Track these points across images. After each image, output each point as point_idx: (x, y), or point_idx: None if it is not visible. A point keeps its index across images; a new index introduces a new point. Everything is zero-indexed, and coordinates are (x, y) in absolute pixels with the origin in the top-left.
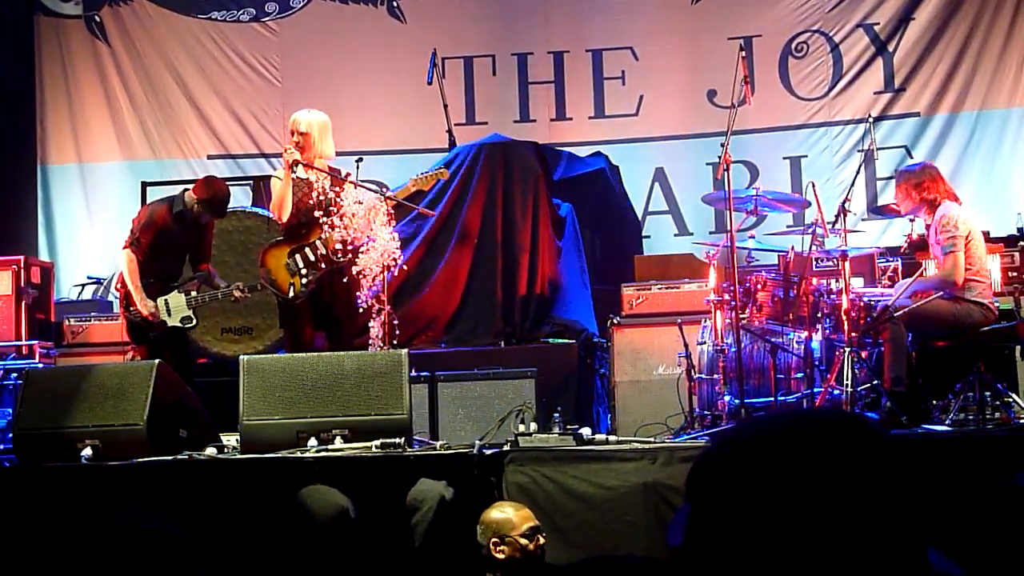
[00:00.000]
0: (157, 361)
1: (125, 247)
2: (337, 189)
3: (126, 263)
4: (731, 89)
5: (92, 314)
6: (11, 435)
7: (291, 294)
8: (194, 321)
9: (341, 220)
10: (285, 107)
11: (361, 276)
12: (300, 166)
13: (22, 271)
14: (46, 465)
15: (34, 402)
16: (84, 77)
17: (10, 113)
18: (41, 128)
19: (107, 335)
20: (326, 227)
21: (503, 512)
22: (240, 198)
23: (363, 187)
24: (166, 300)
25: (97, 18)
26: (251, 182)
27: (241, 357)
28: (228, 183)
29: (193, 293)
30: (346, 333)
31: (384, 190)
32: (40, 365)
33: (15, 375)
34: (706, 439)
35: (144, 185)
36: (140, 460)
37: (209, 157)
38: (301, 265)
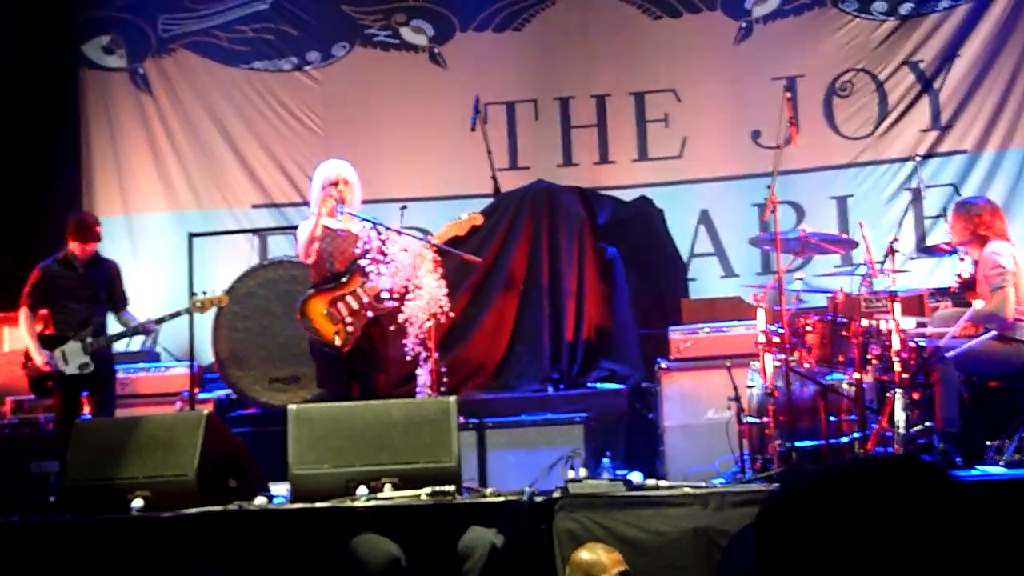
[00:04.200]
0: (206, 411)
1: (20, 305)
2: (383, 237)
3: (21, 320)
4: (776, 129)
5: (140, 365)
6: (60, 488)
7: (338, 342)
8: (91, 367)
9: (387, 267)
10: (328, 155)
11: (408, 324)
12: (342, 215)
13: None
14: (97, 518)
15: (83, 455)
16: (129, 129)
17: (57, 166)
18: (87, 180)
19: (156, 386)
20: (372, 274)
21: (594, 554)
22: (285, 247)
23: (408, 234)
24: (63, 350)
25: (141, 70)
26: (296, 231)
27: (289, 407)
28: (272, 232)
29: (88, 340)
30: (379, 383)
31: (428, 237)
32: (88, 417)
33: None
34: (761, 483)
35: (191, 237)
36: (191, 511)
37: (253, 207)
38: (345, 313)
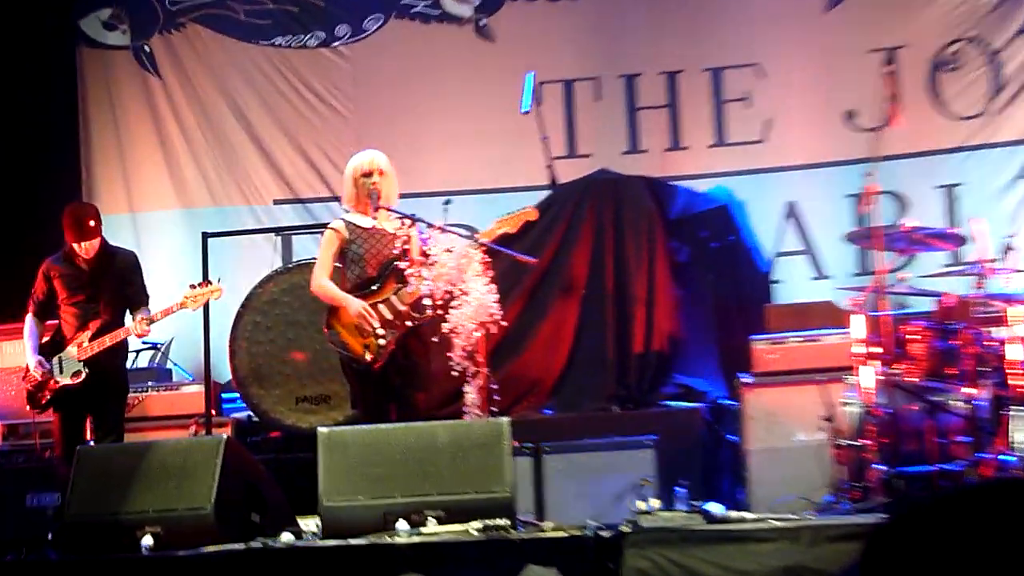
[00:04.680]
0: (225, 436)
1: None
2: (424, 235)
3: (25, 326)
4: (873, 109)
5: (149, 384)
6: (60, 523)
7: (368, 357)
8: (83, 374)
9: (429, 271)
10: (359, 143)
11: (453, 335)
12: (379, 212)
13: None
14: (102, 557)
15: (86, 485)
16: (134, 116)
17: (53, 159)
18: (87, 174)
19: (167, 407)
20: (411, 279)
21: None
22: (310, 247)
23: (452, 232)
24: (60, 357)
25: (146, 48)
26: (324, 230)
27: (319, 430)
28: (297, 231)
29: (84, 343)
30: (420, 403)
31: (476, 236)
32: (92, 442)
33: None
34: (861, 515)
35: (205, 236)
36: (208, 549)
37: (275, 202)
38: (377, 324)
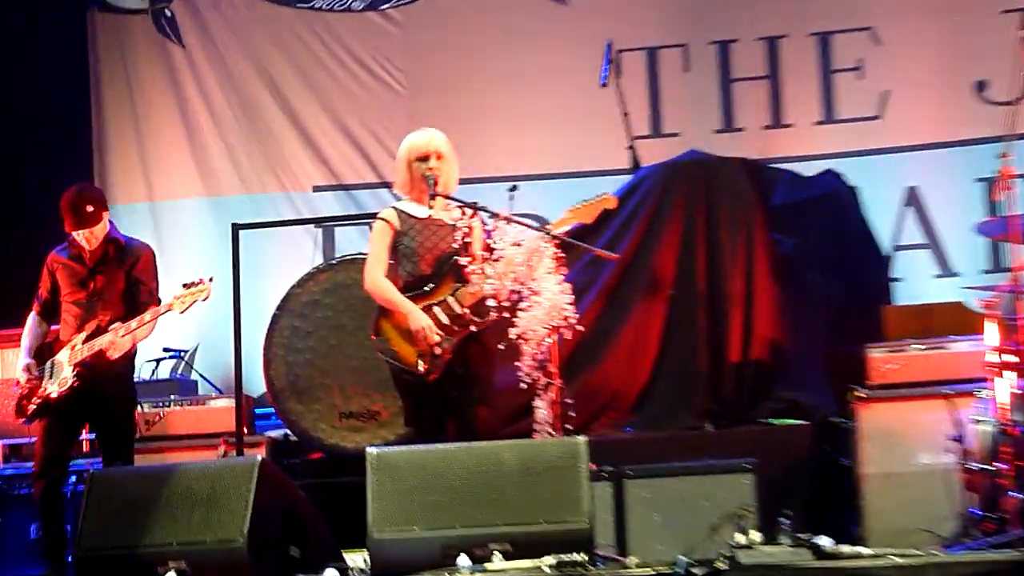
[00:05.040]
0: (259, 457)
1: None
2: (488, 227)
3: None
4: (1009, 79)
5: (172, 397)
6: (72, 557)
7: (422, 368)
8: (70, 381)
9: (493, 267)
10: (413, 121)
11: (522, 341)
12: (436, 200)
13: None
14: None
15: (101, 514)
16: (153, 90)
17: (60, 141)
18: (99, 158)
19: (192, 425)
20: (472, 277)
21: None
22: (356, 240)
23: (520, 223)
24: (53, 362)
25: (167, 12)
26: (370, 221)
27: (367, 450)
28: (340, 222)
29: (78, 345)
30: (482, 419)
31: (547, 227)
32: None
33: (75, 479)
34: (996, 550)
35: (236, 229)
36: None
37: (315, 189)
38: (438, 340)
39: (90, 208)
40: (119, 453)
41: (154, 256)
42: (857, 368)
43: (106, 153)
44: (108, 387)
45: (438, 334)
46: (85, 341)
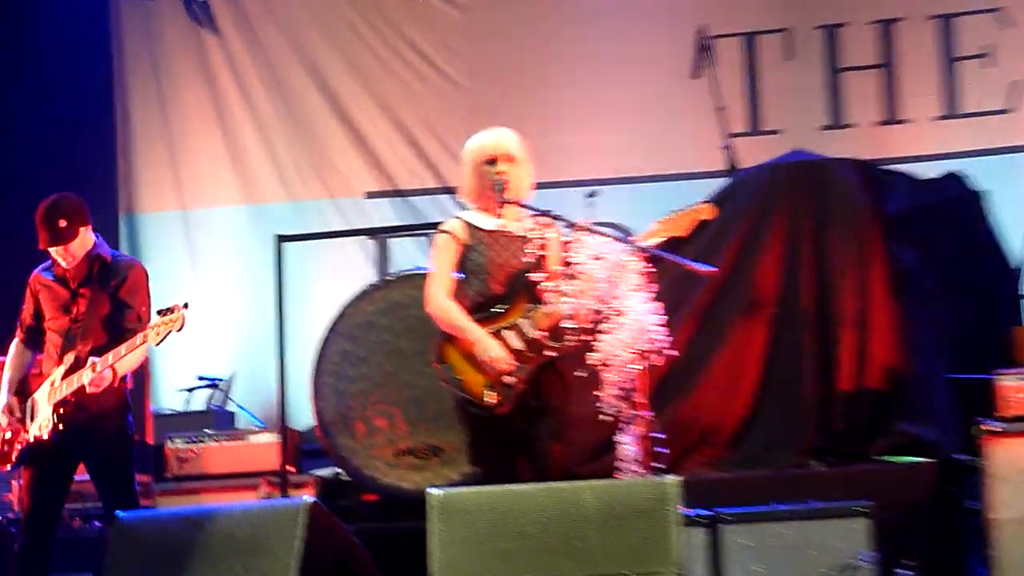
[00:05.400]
0: (308, 500)
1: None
2: (566, 239)
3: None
4: None
5: (207, 432)
6: None
7: (492, 400)
8: (51, 424)
9: (572, 285)
10: (478, 119)
11: (604, 368)
12: (507, 209)
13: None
14: None
15: (126, 563)
16: (185, 84)
17: (81, 144)
18: (125, 162)
19: (230, 462)
20: (550, 296)
21: None
22: (414, 253)
23: (602, 234)
24: (34, 399)
25: None
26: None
27: (429, 492)
28: (396, 232)
29: (56, 381)
30: (558, 457)
31: (633, 238)
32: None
33: (98, 524)
34: None
35: (279, 240)
36: None
37: (368, 195)
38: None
39: (63, 223)
40: (119, 499)
41: (146, 275)
42: (986, 398)
43: (132, 156)
44: (99, 425)
45: (510, 363)
46: (65, 376)
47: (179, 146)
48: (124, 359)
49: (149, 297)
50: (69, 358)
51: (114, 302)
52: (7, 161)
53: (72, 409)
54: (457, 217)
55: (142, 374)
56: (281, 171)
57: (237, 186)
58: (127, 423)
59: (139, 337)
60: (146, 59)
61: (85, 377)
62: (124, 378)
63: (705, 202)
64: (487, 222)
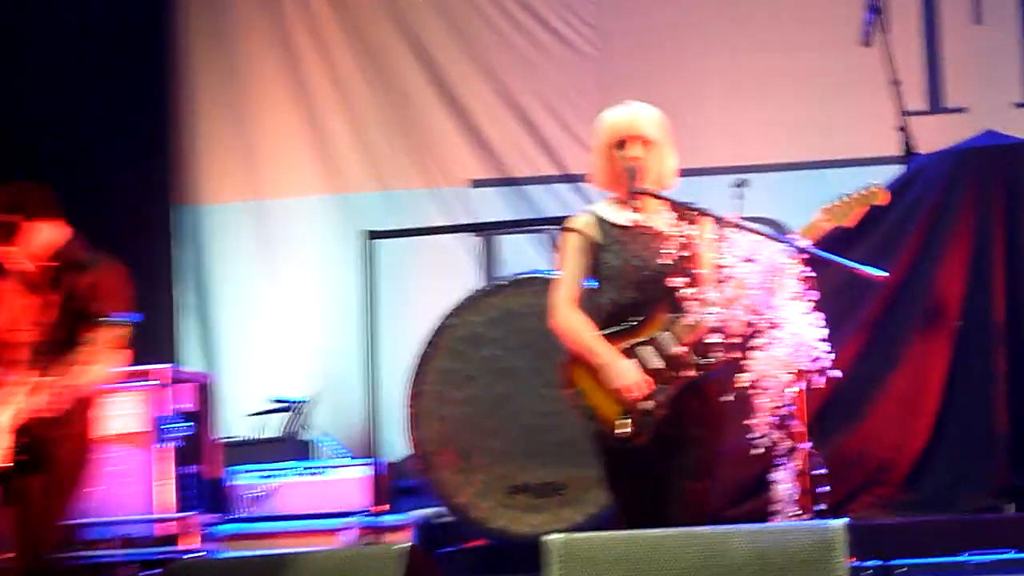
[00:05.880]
0: (405, 545)
1: None
2: (714, 236)
3: None
4: None
5: (284, 464)
6: None
7: (626, 429)
8: (12, 454)
9: (721, 292)
10: (604, 93)
11: (756, 391)
12: (639, 200)
13: (165, 390)
14: None
15: None
16: (257, 53)
17: (130, 121)
18: (184, 144)
19: (312, 500)
20: (694, 305)
21: None
22: (528, 252)
23: (755, 231)
24: None
25: None
26: (556, 228)
27: (547, 539)
28: (508, 229)
29: (13, 404)
30: (703, 496)
31: (793, 235)
32: (202, 553)
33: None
34: None
35: (370, 237)
36: None
37: (475, 184)
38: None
39: (10, 218)
40: (44, 513)
41: (120, 280)
42: None
43: (191, 137)
44: (57, 431)
45: (645, 388)
46: (21, 397)
47: (249, 125)
48: (80, 378)
49: (122, 304)
50: (28, 376)
51: (73, 312)
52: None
53: (32, 438)
54: (590, 211)
55: (204, 397)
56: (371, 155)
57: (319, 173)
58: (84, 424)
59: (87, 355)
60: (208, 22)
61: (41, 398)
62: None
63: (878, 185)
64: (623, 216)
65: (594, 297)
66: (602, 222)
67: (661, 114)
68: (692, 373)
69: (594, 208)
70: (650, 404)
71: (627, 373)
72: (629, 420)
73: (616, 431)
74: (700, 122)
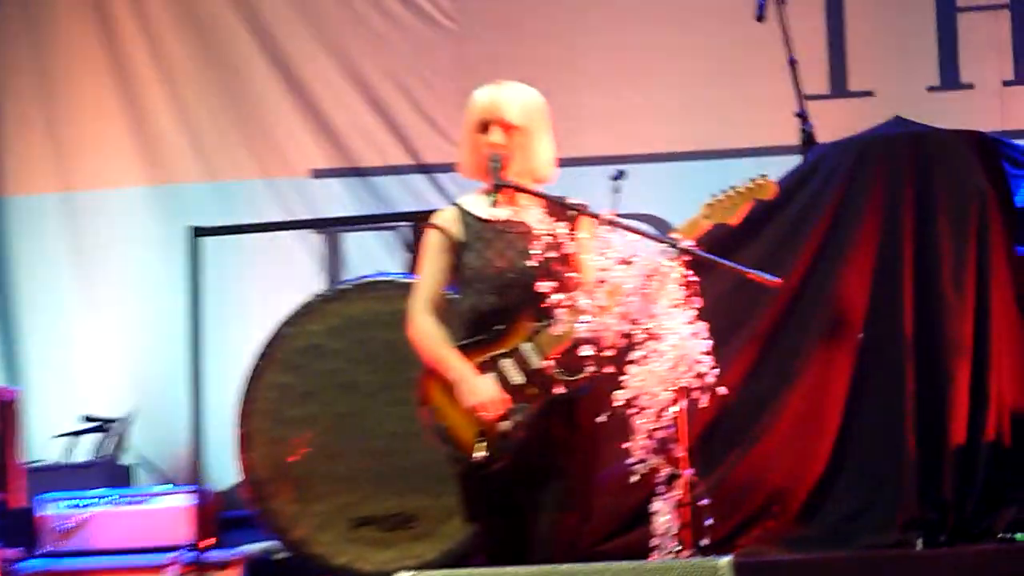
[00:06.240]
0: None
1: None
2: (587, 235)
3: None
4: None
5: (95, 495)
6: None
7: (480, 452)
8: None
9: (593, 298)
10: (465, 72)
11: (633, 410)
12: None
13: None
14: None
15: None
16: (66, 25)
17: None
18: None
19: (126, 533)
20: (562, 313)
21: None
22: (377, 252)
23: (633, 229)
24: None
25: None
26: (408, 224)
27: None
28: (354, 225)
29: None
30: (573, 528)
31: (674, 234)
32: None
33: None
34: None
35: (197, 235)
36: None
37: (316, 174)
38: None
39: None
40: None
41: None
42: None
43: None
44: None
45: (501, 407)
46: None
47: (61, 109)
48: None
49: None
50: None
51: None
52: None
53: None
54: (456, 205)
55: (8, 415)
56: (199, 141)
57: (139, 160)
58: None
59: None
60: None
61: None
62: None
63: (765, 177)
64: (490, 211)
65: (454, 303)
66: (467, 216)
67: (537, 97)
68: (559, 390)
69: (461, 201)
70: (507, 425)
71: (482, 390)
72: (485, 443)
73: (472, 455)
74: (573, 106)
